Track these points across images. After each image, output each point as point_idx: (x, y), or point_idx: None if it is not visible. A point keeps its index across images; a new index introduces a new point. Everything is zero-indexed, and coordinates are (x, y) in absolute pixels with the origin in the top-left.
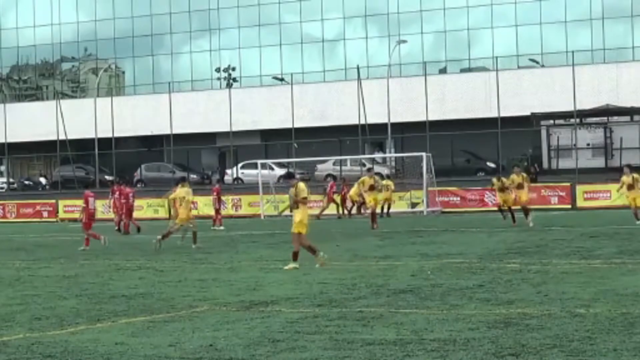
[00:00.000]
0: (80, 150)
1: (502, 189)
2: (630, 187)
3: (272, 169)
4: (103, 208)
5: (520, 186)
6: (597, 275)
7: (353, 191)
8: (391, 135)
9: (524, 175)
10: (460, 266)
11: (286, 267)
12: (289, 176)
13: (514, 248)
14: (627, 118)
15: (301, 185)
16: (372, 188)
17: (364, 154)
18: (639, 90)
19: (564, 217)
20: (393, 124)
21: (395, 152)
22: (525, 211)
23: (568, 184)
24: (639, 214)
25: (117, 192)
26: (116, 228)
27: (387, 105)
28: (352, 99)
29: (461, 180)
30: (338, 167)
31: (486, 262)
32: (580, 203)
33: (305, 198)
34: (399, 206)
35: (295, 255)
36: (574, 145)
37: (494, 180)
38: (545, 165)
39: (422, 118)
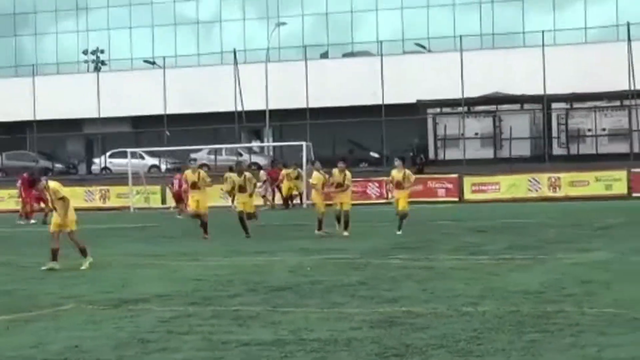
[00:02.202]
0: None
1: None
2: (399, 185)
3: (143, 158)
4: None
5: (399, 185)
6: (485, 271)
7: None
8: (269, 123)
9: (407, 172)
10: (341, 262)
11: None
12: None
13: (398, 243)
14: (517, 106)
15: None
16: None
17: (240, 142)
18: (530, 78)
19: (451, 211)
20: (272, 111)
21: (274, 141)
22: (402, 217)
23: (455, 176)
24: (403, 222)
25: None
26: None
27: (265, 91)
28: (229, 85)
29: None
30: (213, 157)
31: (369, 258)
32: (468, 196)
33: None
34: (277, 199)
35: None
36: (462, 134)
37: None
38: (431, 155)
39: (303, 105)
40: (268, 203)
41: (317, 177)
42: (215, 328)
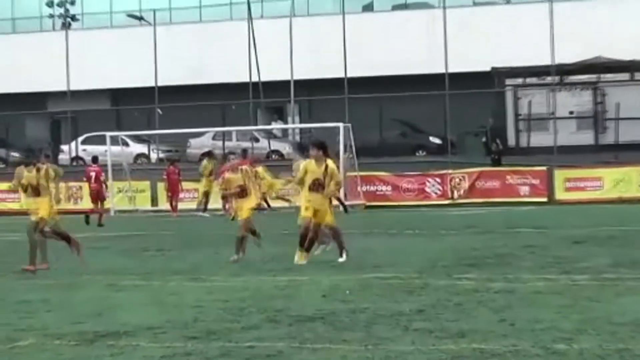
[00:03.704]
0: None
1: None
2: (316, 185)
3: (127, 144)
4: None
5: (316, 186)
6: (582, 296)
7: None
8: (295, 98)
9: (331, 165)
10: (391, 283)
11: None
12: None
13: (467, 258)
14: (626, 76)
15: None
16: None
17: (256, 124)
18: None
19: (537, 215)
20: (298, 83)
21: (301, 122)
22: (333, 239)
23: (543, 168)
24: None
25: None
26: None
27: (289, 55)
28: (241, 47)
29: (394, 162)
30: (220, 142)
31: (428, 277)
32: (560, 195)
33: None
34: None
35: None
36: (552, 113)
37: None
38: (511, 141)
39: (339, 74)
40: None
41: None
42: None
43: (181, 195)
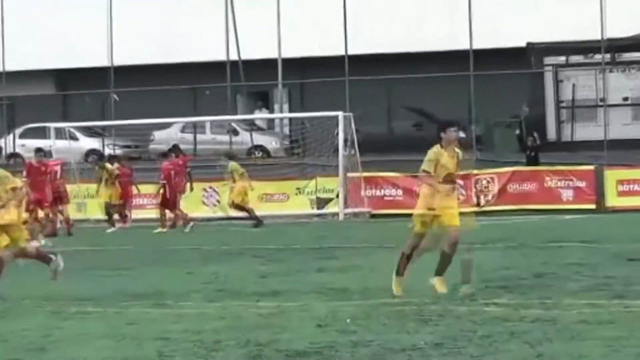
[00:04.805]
0: None
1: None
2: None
3: (76, 138)
4: None
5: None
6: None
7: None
8: (283, 80)
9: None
10: (402, 310)
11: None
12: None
13: (497, 279)
14: None
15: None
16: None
17: (236, 113)
18: None
19: (583, 225)
20: (287, 62)
21: (291, 111)
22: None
23: (591, 168)
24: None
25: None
26: None
27: (276, 29)
28: (217, 18)
29: (405, 160)
30: (191, 135)
31: (448, 303)
32: (611, 200)
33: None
34: (297, 205)
35: None
36: (602, 100)
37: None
38: (551, 134)
39: (338, 52)
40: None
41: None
42: None
43: (144, 201)
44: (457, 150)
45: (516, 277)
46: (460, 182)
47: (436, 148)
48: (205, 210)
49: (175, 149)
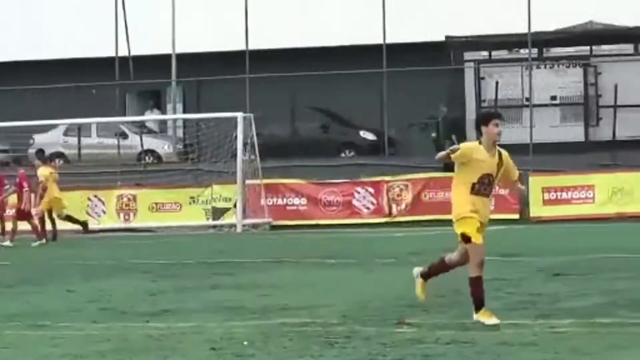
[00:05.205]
0: None
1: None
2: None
3: None
4: None
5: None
6: (566, 347)
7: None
8: (177, 78)
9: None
10: (305, 331)
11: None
12: None
13: (410, 297)
14: (629, 47)
15: None
16: None
17: (124, 113)
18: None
19: (506, 237)
20: (182, 58)
21: (186, 111)
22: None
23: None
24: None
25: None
26: None
27: (171, 20)
28: (104, 8)
29: (311, 165)
30: (74, 139)
31: (355, 323)
32: (536, 210)
33: None
34: (190, 215)
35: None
36: (527, 99)
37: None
38: (472, 137)
39: (239, 46)
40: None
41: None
42: None
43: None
44: (501, 150)
45: (431, 295)
46: (371, 189)
47: (473, 143)
48: (90, 221)
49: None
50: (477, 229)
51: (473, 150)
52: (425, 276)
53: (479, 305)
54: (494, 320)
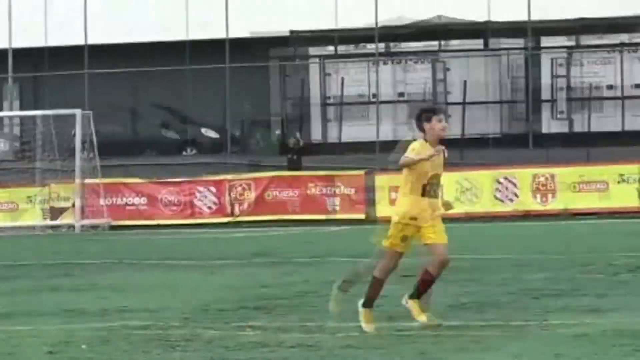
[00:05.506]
0: None
1: None
2: None
3: None
4: None
5: None
6: (413, 351)
7: None
8: (13, 74)
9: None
10: (144, 334)
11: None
12: None
13: (253, 299)
14: (478, 43)
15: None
16: None
17: None
18: None
19: (352, 237)
20: (19, 52)
21: (22, 108)
22: None
23: (361, 173)
24: None
25: None
26: None
27: (7, 15)
28: None
29: (151, 164)
30: None
31: (197, 326)
32: (383, 209)
33: None
34: (27, 215)
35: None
36: (374, 96)
37: None
38: (316, 135)
39: (77, 40)
40: None
41: None
42: None
43: None
44: (441, 147)
45: (275, 297)
46: (213, 188)
47: (420, 142)
48: None
49: None
50: (403, 237)
51: (425, 150)
52: (416, 295)
53: (367, 303)
54: (369, 327)
